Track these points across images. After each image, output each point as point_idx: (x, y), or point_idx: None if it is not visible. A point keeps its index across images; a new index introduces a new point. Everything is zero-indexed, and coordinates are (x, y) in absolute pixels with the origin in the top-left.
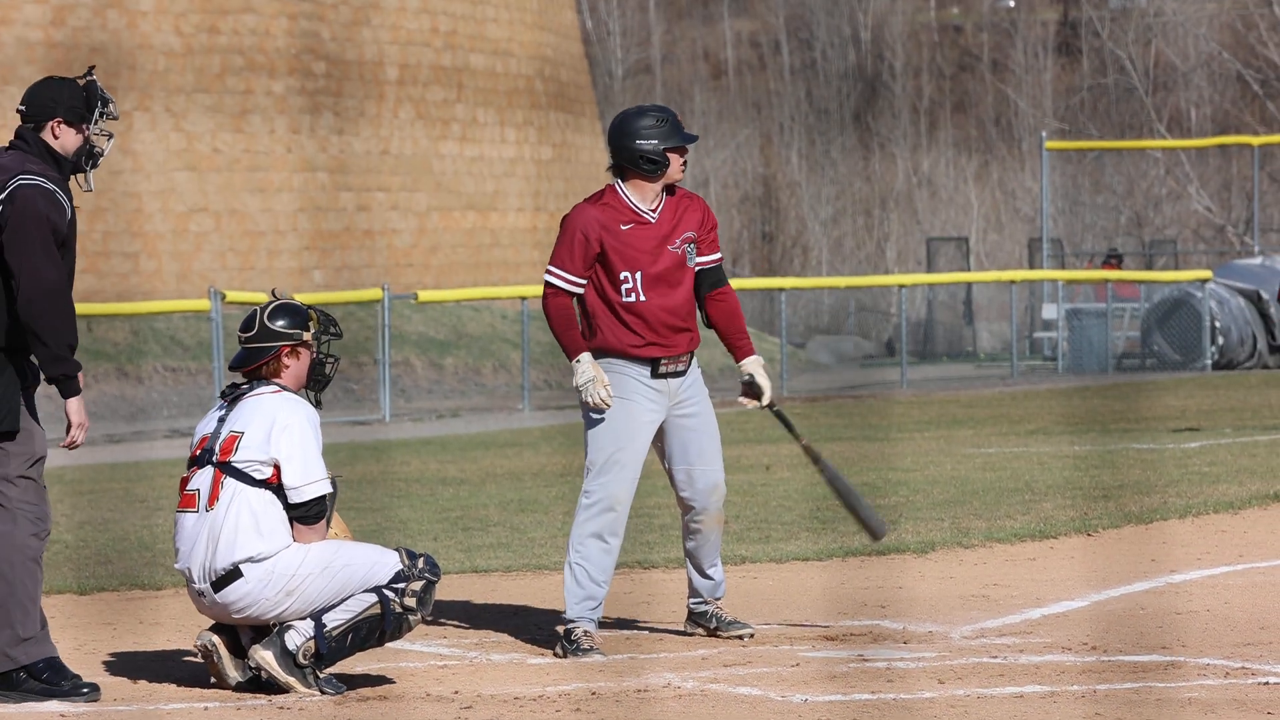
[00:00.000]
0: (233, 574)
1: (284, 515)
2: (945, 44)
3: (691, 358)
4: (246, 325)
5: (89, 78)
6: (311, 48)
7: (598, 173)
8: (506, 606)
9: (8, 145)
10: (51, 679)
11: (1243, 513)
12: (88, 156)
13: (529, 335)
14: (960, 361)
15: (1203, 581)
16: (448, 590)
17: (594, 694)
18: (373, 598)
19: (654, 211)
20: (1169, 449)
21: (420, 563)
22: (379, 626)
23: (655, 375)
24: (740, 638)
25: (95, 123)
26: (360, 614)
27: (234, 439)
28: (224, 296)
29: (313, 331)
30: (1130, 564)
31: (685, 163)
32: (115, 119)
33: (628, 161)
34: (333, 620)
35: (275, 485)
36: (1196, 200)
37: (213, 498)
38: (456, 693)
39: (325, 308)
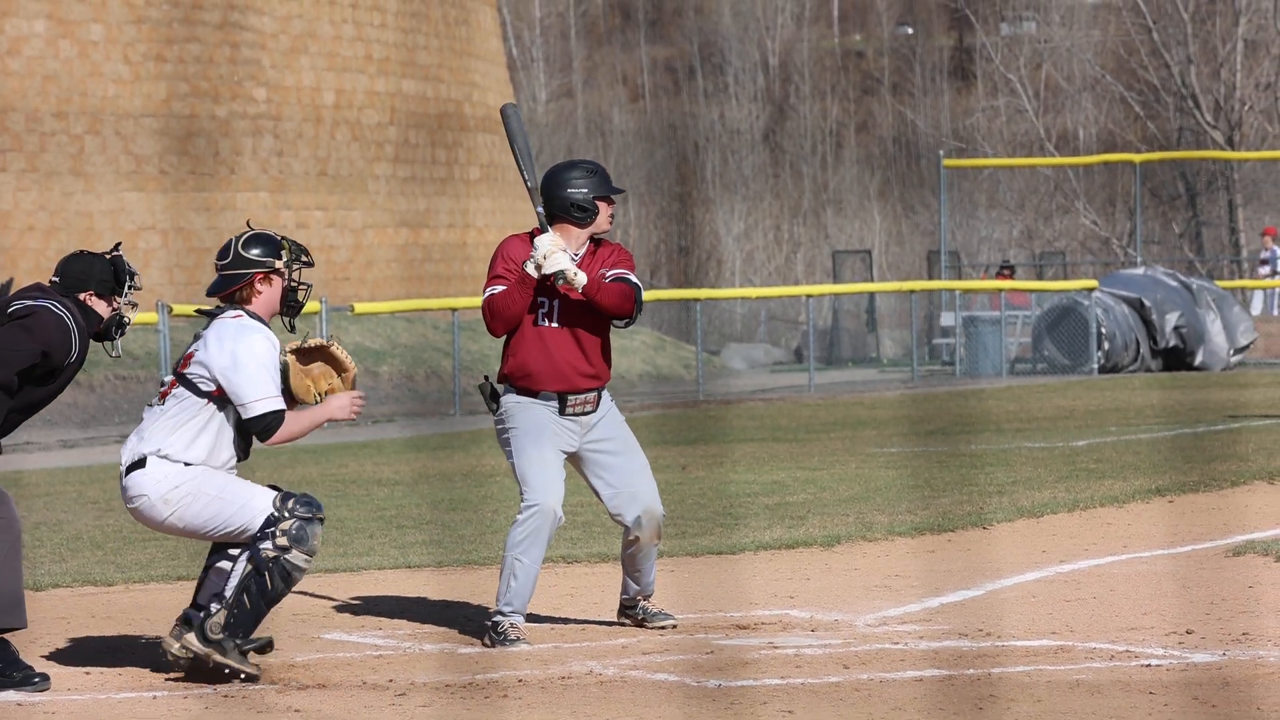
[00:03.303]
0: (141, 462)
1: (210, 431)
2: (849, 68)
3: (600, 397)
4: (223, 253)
5: (115, 253)
6: (253, 74)
7: (523, 190)
8: (438, 600)
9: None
10: (3, 670)
11: (1127, 506)
12: (117, 325)
13: (459, 344)
14: (864, 366)
15: (1090, 571)
16: (383, 585)
17: (521, 681)
18: (246, 554)
19: (575, 256)
20: (1058, 447)
21: (291, 503)
22: (263, 576)
23: (563, 413)
24: (663, 628)
25: (125, 295)
26: (243, 574)
27: (191, 355)
28: (170, 310)
29: (284, 260)
30: (1023, 555)
31: (612, 215)
32: (139, 289)
33: (559, 210)
34: (225, 594)
35: (219, 397)
36: (1083, 214)
37: (163, 396)
38: (391, 681)
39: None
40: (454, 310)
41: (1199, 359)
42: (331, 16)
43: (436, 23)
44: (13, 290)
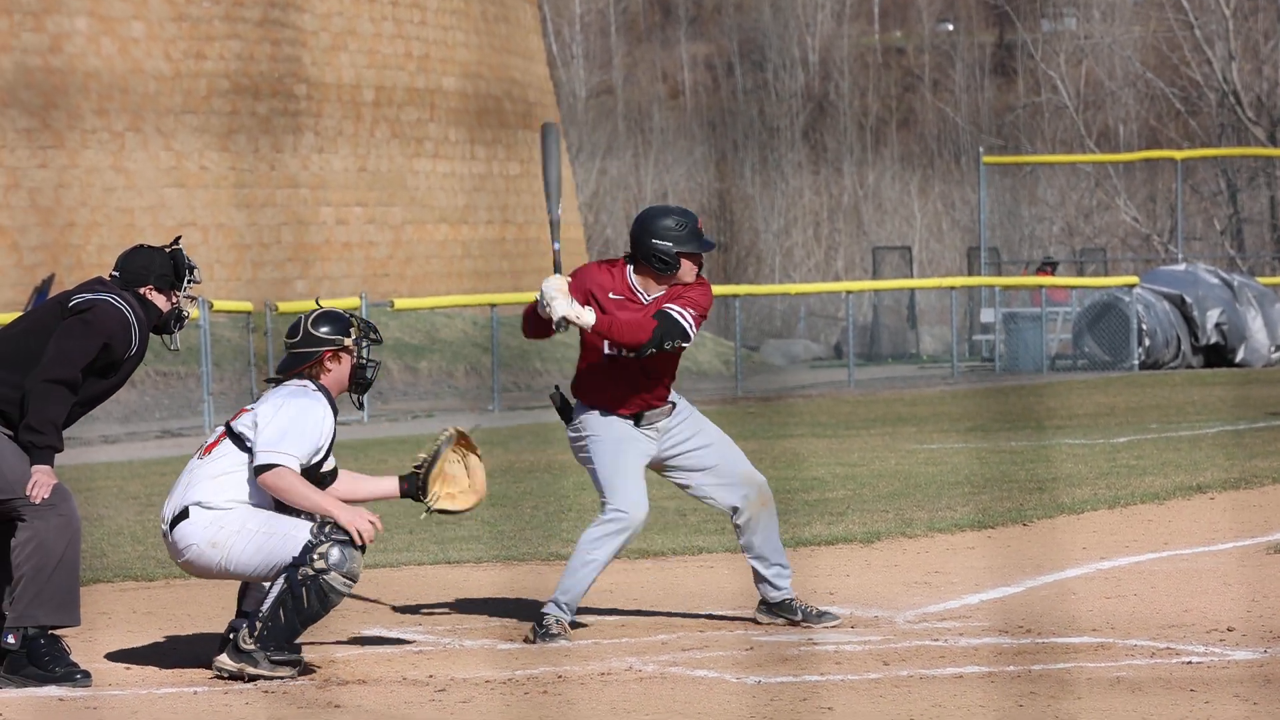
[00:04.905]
0: (185, 513)
1: (255, 483)
2: (889, 65)
3: (673, 406)
4: (292, 332)
5: (175, 247)
6: (294, 71)
7: (564, 187)
8: (478, 595)
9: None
10: (47, 665)
11: (1167, 503)
12: (176, 319)
13: (499, 340)
14: (904, 363)
15: (1130, 568)
16: (422, 581)
17: (560, 677)
18: (284, 573)
19: (649, 295)
20: (1099, 444)
21: (329, 529)
22: (300, 594)
23: (638, 425)
24: (833, 628)
25: (184, 289)
26: (280, 591)
27: (244, 411)
28: (212, 305)
29: (354, 337)
30: (1063, 552)
31: (699, 269)
32: (199, 283)
33: (642, 255)
34: (262, 608)
35: None
36: (1124, 211)
37: (209, 448)
38: (431, 676)
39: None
40: (493, 306)
41: (1240, 356)
42: (371, 14)
43: (476, 19)
44: (54, 286)
